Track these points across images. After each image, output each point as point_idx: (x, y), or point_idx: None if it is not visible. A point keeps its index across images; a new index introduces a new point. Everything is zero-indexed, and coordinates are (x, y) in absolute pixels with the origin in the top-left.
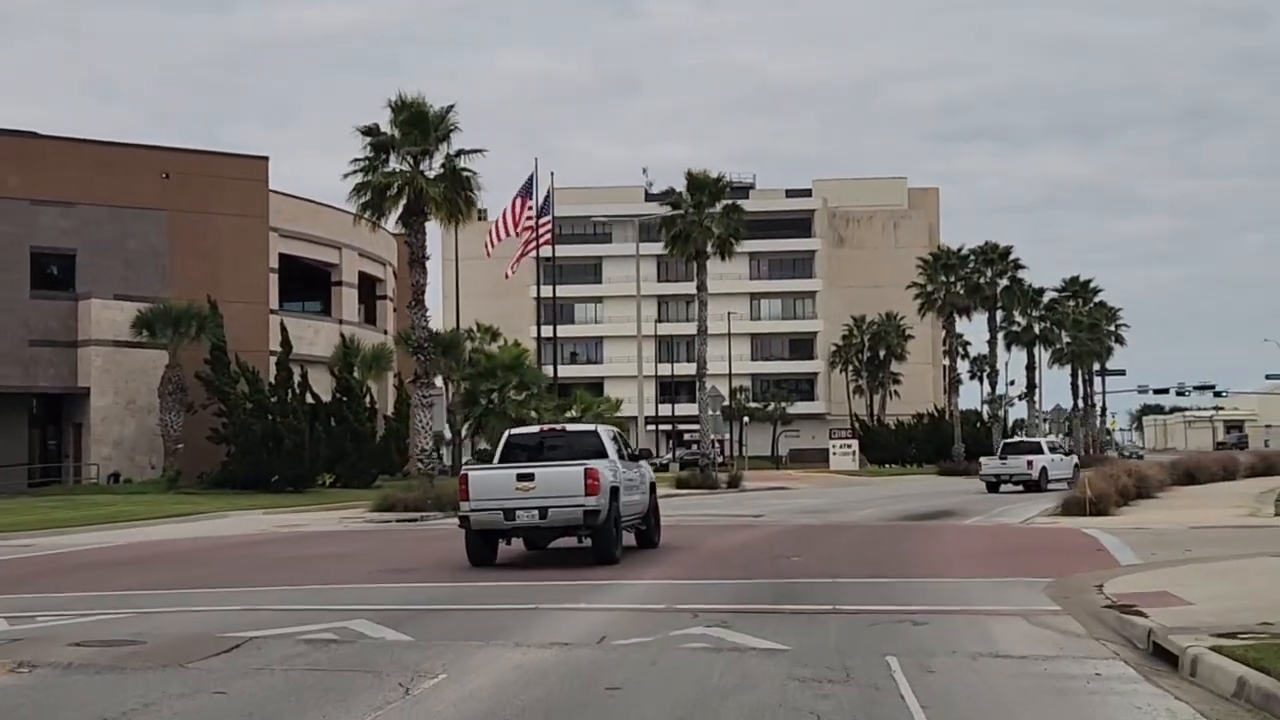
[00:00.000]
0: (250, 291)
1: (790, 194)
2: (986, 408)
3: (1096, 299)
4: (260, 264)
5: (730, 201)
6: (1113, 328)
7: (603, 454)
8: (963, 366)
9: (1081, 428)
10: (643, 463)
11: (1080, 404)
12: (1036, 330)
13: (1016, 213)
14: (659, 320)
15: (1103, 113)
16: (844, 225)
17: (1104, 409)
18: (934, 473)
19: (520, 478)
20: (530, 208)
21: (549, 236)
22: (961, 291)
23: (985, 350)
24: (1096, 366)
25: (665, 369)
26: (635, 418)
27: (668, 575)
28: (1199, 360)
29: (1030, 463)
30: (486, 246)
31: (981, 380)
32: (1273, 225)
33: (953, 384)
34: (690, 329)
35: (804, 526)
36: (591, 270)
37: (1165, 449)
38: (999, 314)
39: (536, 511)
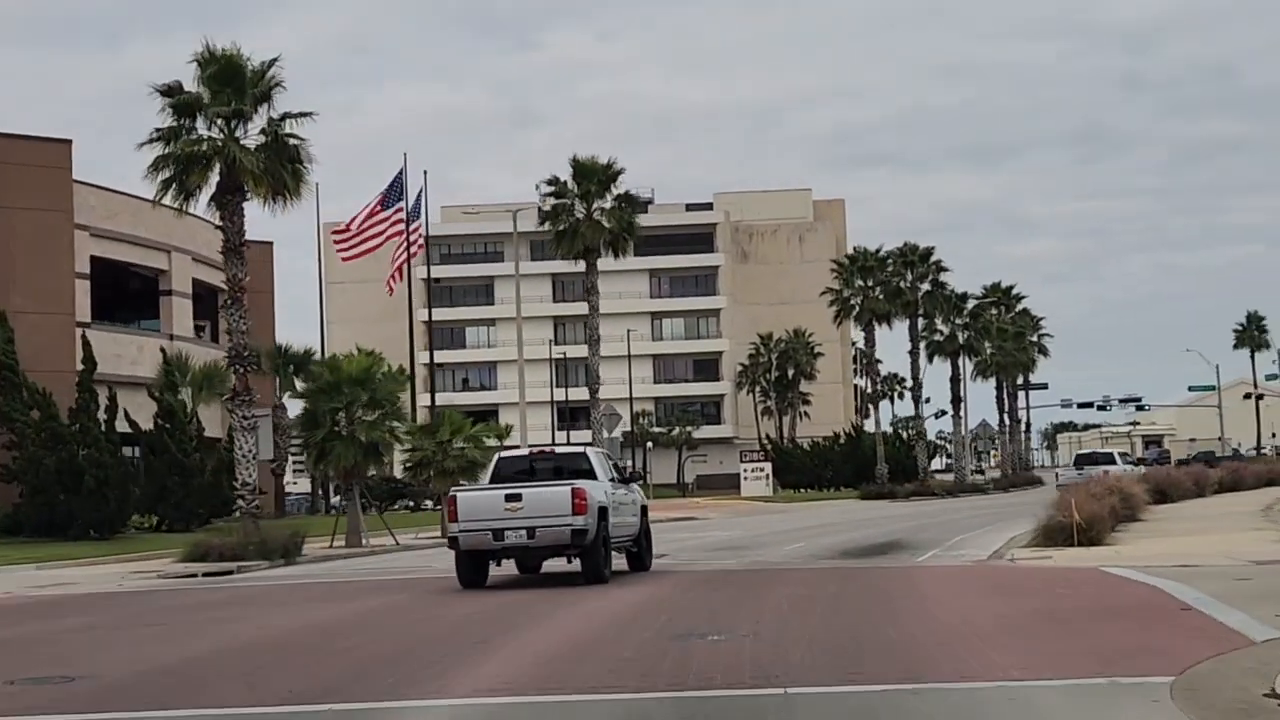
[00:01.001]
0: (51, 300)
1: (691, 208)
2: (911, 424)
3: (1019, 307)
4: (63, 267)
5: (625, 191)
6: (1035, 338)
7: (592, 475)
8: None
9: (1009, 445)
10: (634, 485)
11: (1005, 419)
12: (960, 340)
13: (916, 237)
14: (555, 342)
15: (996, 137)
16: (747, 240)
17: (1028, 425)
18: (855, 496)
19: (509, 498)
20: (400, 210)
21: (421, 243)
22: (881, 297)
23: (897, 367)
24: (1020, 380)
25: (562, 394)
26: (522, 445)
27: (493, 684)
28: (1112, 378)
29: (1106, 473)
30: (348, 244)
31: (893, 399)
32: (1160, 245)
33: (874, 398)
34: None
35: (721, 574)
36: (483, 291)
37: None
38: (920, 322)
39: (525, 531)
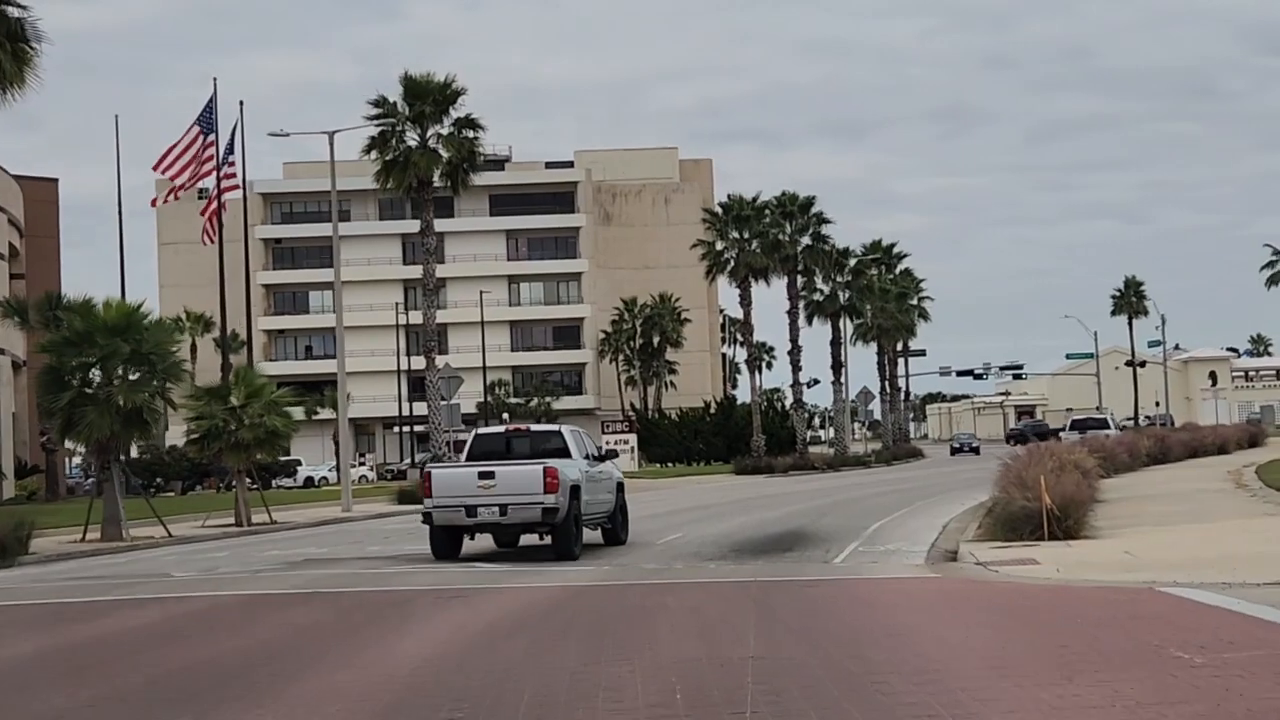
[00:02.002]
0: None
1: (551, 166)
2: (790, 393)
3: (901, 267)
4: None
5: (466, 115)
6: (916, 301)
7: (565, 453)
8: (740, 353)
9: (890, 415)
10: (609, 462)
11: (886, 388)
12: (842, 299)
13: None
14: (407, 308)
15: (861, 113)
16: (610, 200)
17: (907, 394)
18: (728, 471)
19: (482, 475)
20: (213, 144)
21: (235, 183)
22: (758, 250)
23: (767, 336)
24: (900, 346)
25: (415, 363)
26: (372, 419)
27: None
28: (984, 351)
29: (1108, 437)
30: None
31: (761, 370)
32: (1021, 220)
33: (751, 361)
34: (445, 316)
35: (559, 600)
36: (327, 252)
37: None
38: (799, 280)
39: (497, 509)
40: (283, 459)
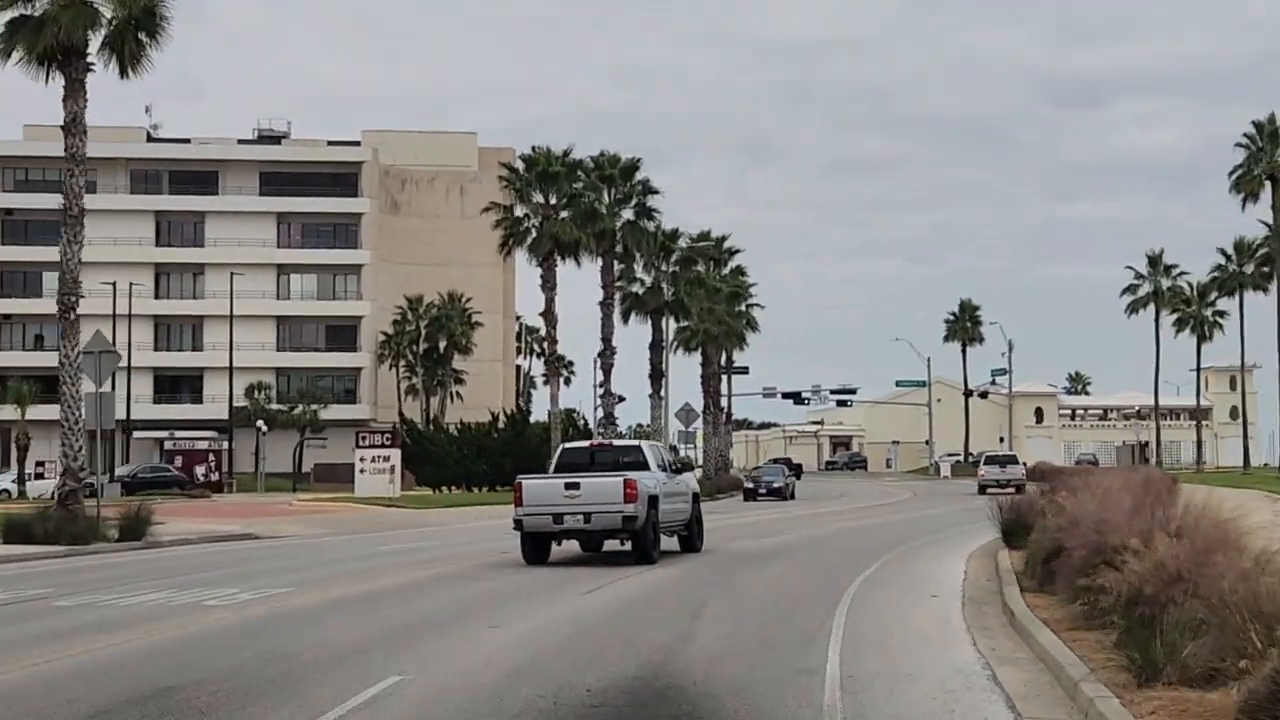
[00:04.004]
0: None
1: (334, 145)
2: (600, 403)
3: (732, 263)
4: None
5: None
6: (745, 307)
7: (644, 466)
8: (538, 366)
9: (714, 438)
10: (686, 475)
11: (709, 406)
12: (667, 294)
13: None
14: (157, 296)
15: (660, 142)
16: (399, 187)
17: (729, 415)
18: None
19: (568, 486)
20: None
21: None
22: (568, 219)
23: (568, 349)
24: (724, 358)
25: (165, 359)
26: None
27: None
28: (798, 376)
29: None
30: None
31: (559, 378)
32: (804, 255)
33: (552, 362)
34: (202, 308)
35: None
36: None
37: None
38: (617, 266)
39: (582, 516)
40: None
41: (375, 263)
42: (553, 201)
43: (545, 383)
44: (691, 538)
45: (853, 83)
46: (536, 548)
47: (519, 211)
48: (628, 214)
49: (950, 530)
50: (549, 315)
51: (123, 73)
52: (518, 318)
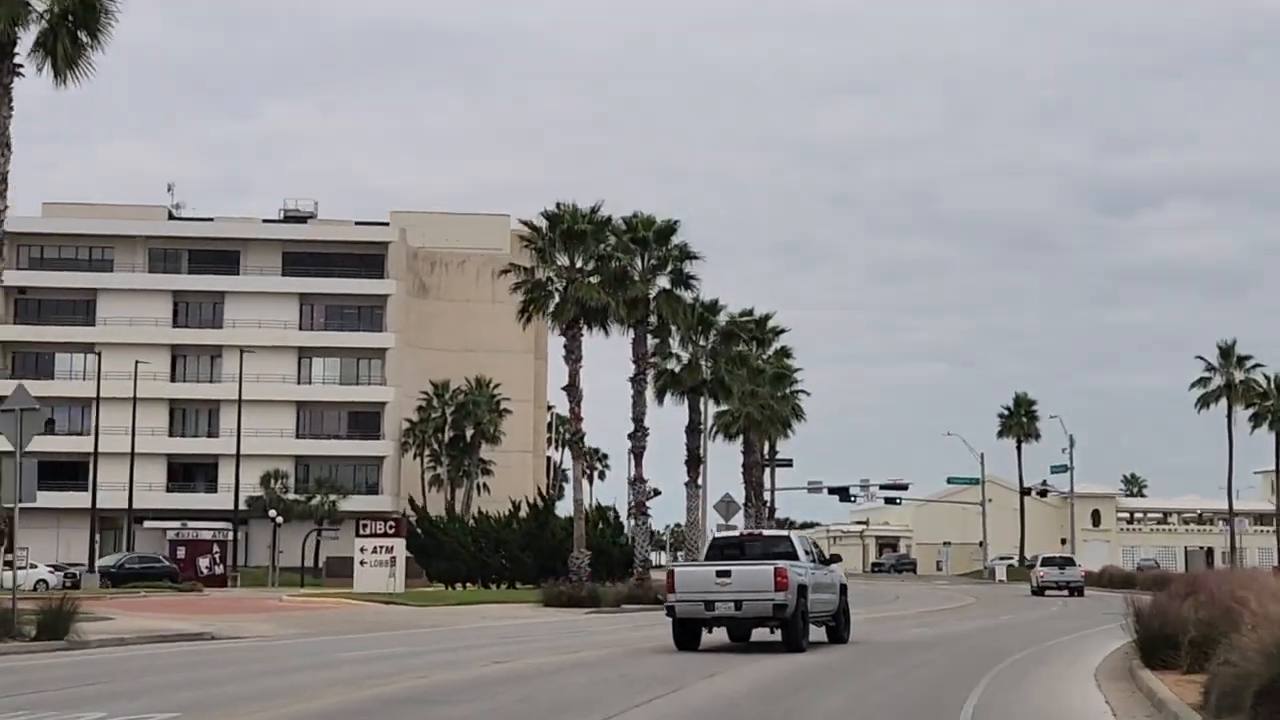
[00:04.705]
0: None
1: (363, 225)
2: (631, 493)
3: (777, 344)
4: None
5: None
6: (790, 390)
7: (793, 556)
8: (569, 459)
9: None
10: (835, 566)
11: (751, 498)
12: (705, 372)
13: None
14: (173, 379)
15: (703, 240)
16: (429, 269)
17: (773, 509)
18: (535, 599)
19: (719, 574)
20: None
21: None
22: (597, 283)
23: (603, 441)
24: (768, 447)
25: (179, 445)
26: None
27: None
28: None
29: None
30: None
31: (593, 479)
32: (843, 359)
33: (574, 444)
34: (220, 392)
35: None
36: (82, 307)
37: None
38: (650, 339)
39: (733, 604)
40: None
41: (401, 347)
42: (579, 264)
43: (588, 477)
44: (839, 628)
45: (892, 186)
46: (687, 634)
47: (541, 274)
48: (663, 281)
49: (1050, 641)
50: (573, 390)
51: (58, 76)
52: (549, 407)
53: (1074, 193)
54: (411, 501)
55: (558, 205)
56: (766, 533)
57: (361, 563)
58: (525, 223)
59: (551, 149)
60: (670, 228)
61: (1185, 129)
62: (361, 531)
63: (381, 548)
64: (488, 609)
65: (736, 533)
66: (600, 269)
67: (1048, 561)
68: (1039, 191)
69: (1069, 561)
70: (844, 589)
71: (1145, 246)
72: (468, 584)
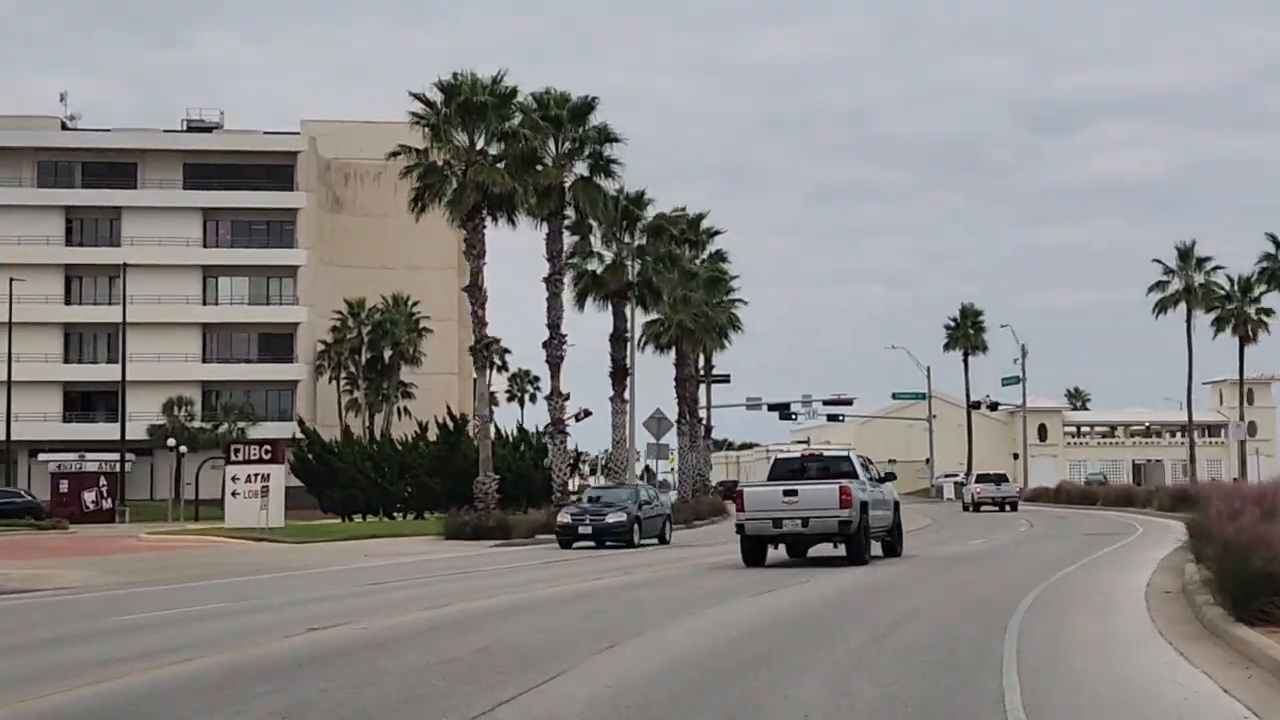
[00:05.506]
0: None
1: (271, 135)
2: (549, 408)
3: (711, 247)
4: None
5: None
6: (726, 298)
7: (854, 475)
8: (499, 382)
9: (690, 455)
10: (888, 484)
11: (685, 416)
12: (632, 272)
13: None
14: (67, 301)
15: (643, 167)
16: (342, 182)
17: (709, 428)
18: (437, 531)
19: (786, 493)
20: None
21: None
22: (501, 167)
23: (532, 362)
24: (703, 360)
25: (76, 373)
26: None
27: None
28: (780, 388)
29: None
30: None
31: (523, 402)
32: (787, 280)
33: (481, 352)
34: (117, 315)
35: None
36: None
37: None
38: (567, 234)
39: (800, 521)
40: None
41: (314, 264)
42: (480, 144)
43: (510, 399)
44: (894, 543)
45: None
46: (755, 550)
47: (436, 157)
48: (581, 168)
49: (1057, 573)
50: (475, 290)
51: None
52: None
53: (1010, 112)
54: (301, 423)
55: (454, 75)
56: (827, 452)
57: (234, 494)
58: (417, 96)
59: (480, 74)
60: (588, 104)
61: (1119, 47)
62: (233, 458)
63: (256, 476)
64: (377, 544)
65: (798, 453)
66: (507, 151)
67: (983, 478)
68: (974, 112)
69: (1003, 478)
70: (897, 505)
71: (1079, 165)
72: (368, 515)
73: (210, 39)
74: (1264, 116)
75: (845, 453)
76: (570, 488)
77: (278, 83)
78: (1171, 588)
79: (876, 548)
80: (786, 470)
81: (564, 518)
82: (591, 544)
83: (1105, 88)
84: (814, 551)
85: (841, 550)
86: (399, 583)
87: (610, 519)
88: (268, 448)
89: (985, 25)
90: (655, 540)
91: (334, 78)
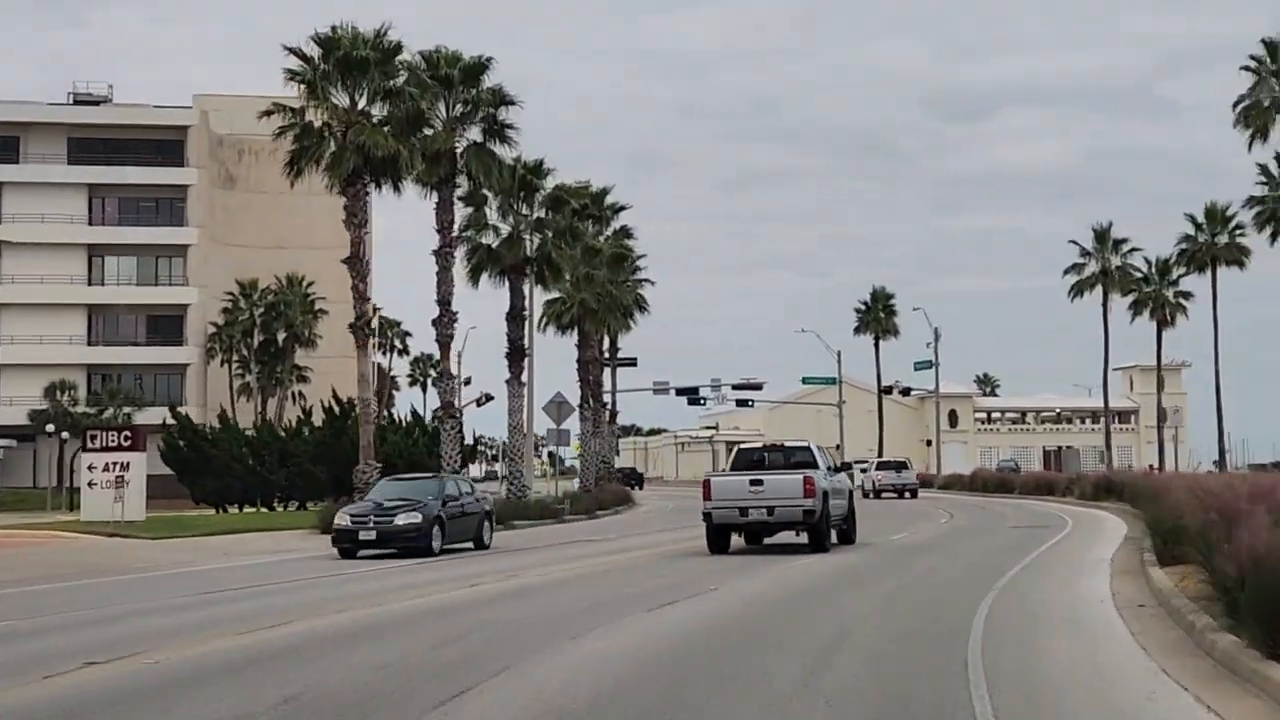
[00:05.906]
0: None
1: (161, 109)
2: (439, 390)
3: (616, 223)
4: None
5: None
6: (631, 277)
7: (814, 465)
8: (401, 367)
9: (593, 440)
10: (843, 474)
11: (589, 400)
12: (530, 247)
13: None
14: None
15: (555, 154)
16: (235, 158)
17: (614, 413)
18: (312, 524)
19: (752, 483)
20: None
21: None
22: (385, 129)
23: (430, 343)
24: (608, 343)
25: None
26: None
27: None
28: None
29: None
30: None
31: (425, 386)
32: (696, 266)
33: (360, 330)
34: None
35: None
36: None
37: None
38: (459, 204)
39: (765, 510)
40: None
41: (205, 243)
42: (361, 104)
43: (412, 383)
44: (849, 530)
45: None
46: (720, 538)
47: (313, 117)
48: (474, 134)
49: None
50: (355, 262)
51: None
52: (376, 309)
53: (916, 101)
54: (173, 408)
55: (333, 28)
56: (788, 443)
57: (90, 484)
58: (293, 50)
59: (362, 29)
60: (481, 64)
61: (1025, 36)
62: (89, 445)
63: (114, 465)
64: (243, 540)
65: (760, 445)
66: (391, 113)
67: (883, 465)
68: (882, 100)
69: (904, 465)
70: (851, 494)
71: (985, 153)
72: (244, 507)
73: (114, 19)
74: (1167, 107)
75: (805, 444)
76: (475, 475)
77: (183, 64)
78: (1143, 599)
79: (833, 535)
80: (748, 460)
81: (342, 520)
82: (378, 552)
83: (1011, 76)
84: (770, 540)
85: (801, 539)
86: (242, 590)
87: (400, 520)
88: (127, 434)
89: (893, 13)
90: (470, 545)
91: (240, 60)
